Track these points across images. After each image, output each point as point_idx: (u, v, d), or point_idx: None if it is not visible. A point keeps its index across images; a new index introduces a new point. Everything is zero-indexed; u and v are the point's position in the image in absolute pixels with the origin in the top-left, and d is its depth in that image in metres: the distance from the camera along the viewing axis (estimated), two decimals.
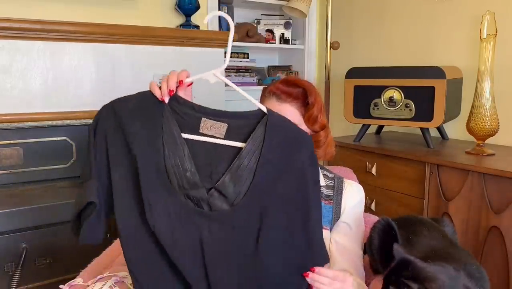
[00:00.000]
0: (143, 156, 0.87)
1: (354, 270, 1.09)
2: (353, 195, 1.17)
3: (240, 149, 0.89)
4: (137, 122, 0.89)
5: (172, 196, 0.87)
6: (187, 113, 0.91)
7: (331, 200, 1.15)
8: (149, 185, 0.87)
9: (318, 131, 1.13)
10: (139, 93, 0.93)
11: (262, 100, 1.15)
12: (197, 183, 0.88)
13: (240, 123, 0.90)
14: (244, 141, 0.89)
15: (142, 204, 0.86)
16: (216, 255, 0.87)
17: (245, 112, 0.92)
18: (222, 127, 0.90)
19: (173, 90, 0.90)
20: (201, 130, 0.90)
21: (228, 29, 2.93)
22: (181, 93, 0.93)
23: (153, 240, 0.87)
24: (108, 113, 0.91)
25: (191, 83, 0.94)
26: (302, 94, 1.11)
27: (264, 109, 0.91)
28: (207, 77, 0.95)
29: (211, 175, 0.89)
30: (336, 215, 1.14)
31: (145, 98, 0.92)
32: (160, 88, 0.92)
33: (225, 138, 0.89)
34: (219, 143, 0.89)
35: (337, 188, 1.17)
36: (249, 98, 0.94)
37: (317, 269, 0.89)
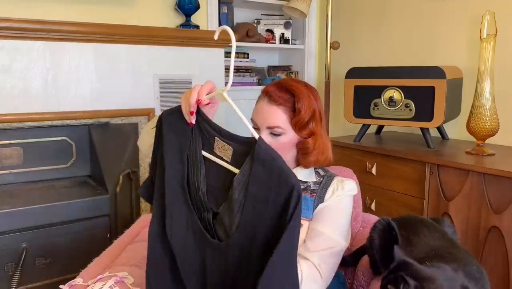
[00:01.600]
0: (171, 168, 0.92)
1: (316, 253, 1.04)
2: (339, 190, 1.15)
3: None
4: (173, 136, 0.93)
5: (191, 212, 0.91)
6: (207, 130, 0.93)
7: (314, 193, 1.15)
8: (173, 197, 0.90)
9: (306, 138, 1.12)
10: (178, 106, 0.96)
11: (257, 100, 1.17)
12: (206, 205, 0.90)
13: (241, 149, 0.88)
14: (239, 166, 0.89)
15: (164, 212, 0.91)
16: (215, 281, 0.90)
17: (245, 139, 0.90)
18: (229, 150, 0.90)
19: (193, 112, 0.91)
20: (214, 150, 0.92)
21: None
22: (206, 108, 0.96)
23: (167, 249, 0.91)
24: (159, 123, 0.97)
25: (209, 103, 0.95)
26: (291, 101, 1.11)
27: (256, 136, 0.87)
28: (216, 95, 0.96)
29: (217, 199, 0.90)
30: (317, 204, 1.13)
31: (180, 112, 0.95)
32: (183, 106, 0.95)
33: (231, 162, 0.90)
34: (225, 167, 0.91)
35: (324, 184, 1.16)
36: (246, 124, 0.92)
37: None
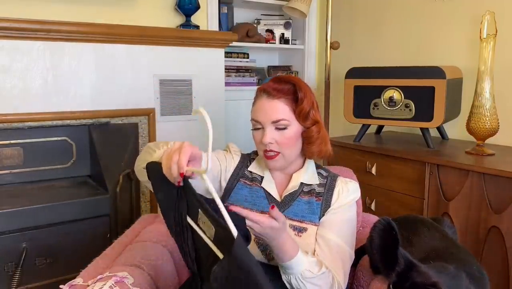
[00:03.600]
0: (166, 216, 0.93)
1: (333, 264, 1.07)
2: (345, 191, 1.16)
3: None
4: (160, 195, 0.94)
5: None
6: (191, 200, 0.84)
7: (321, 196, 1.15)
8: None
9: (310, 126, 1.14)
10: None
11: (253, 104, 1.16)
12: (194, 272, 0.90)
13: (223, 235, 0.73)
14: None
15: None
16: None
17: (226, 227, 0.71)
18: (212, 229, 0.77)
19: (180, 182, 0.84)
20: (198, 222, 0.83)
21: (228, 29, 2.93)
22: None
23: None
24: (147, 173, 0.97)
25: (192, 174, 0.86)
26: (292, 90, 1.12)
27: (235, 235, 0.69)
28: (197, 174, 0.85)
29: (207, 270, 0.78)
30: (325, 210, 1.14)
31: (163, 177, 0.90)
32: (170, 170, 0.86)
33: (214, 242, 0.77)
34: (208, 244, 0.79)
35: (329, 186, 1.17)
36: (227, 219, 0.71)
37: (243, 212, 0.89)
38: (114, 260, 1.24)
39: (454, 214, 1.76)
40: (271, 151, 1.11)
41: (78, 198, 1.90)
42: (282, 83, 1.13)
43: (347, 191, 1.16)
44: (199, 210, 0.80)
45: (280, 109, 1.10)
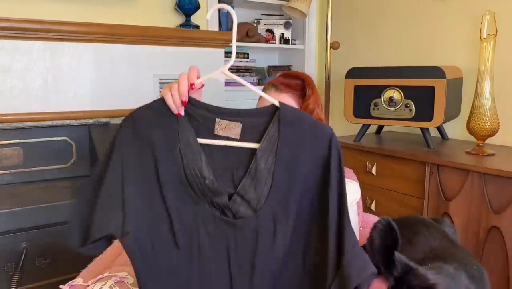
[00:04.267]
0: (164, 166, 0.85)
1: None
2: (347, 192, 1.16)
3: (256, 150, 0.84)
4: (156, 132, 0.87)
5: (198, 205, 0.85)
6: (202, 115, 0.87)
7: None
8: (174, 195, 0.85)
9: None
10: (156, 101, 0.90)
11: (259, 99, 1.15)
12: (217, 190, 0.85)
13: (254, 121, 0.85)
14: (259, 141, 0.84)
15: (165, 215, 0.85)
16: (242, 263, 0.85)
17: (258, 109, 0.87)
18: (237, 127, 0.85)
19: (186, 102, 0.86)
20: (216, 132, 0.86)
21: (228, 29, 2.93)
22: (194, 94, 0.90)
23: (177, 251, 0.85)
24: (128, 124, 0.89)
25: (202, 86, 0.91)
26: (300, 86, 1.13)
27: (277, 103, 0.85)
28: (216, 76, 0.91)
29: (232, 179, 0.85)
30: None
31: (161, 106, 0.88)
32: (173, 98, 0.87)
33: (241, 139, 0.85)
34: (235, 146, 0.85)
35: None
36: (259, 93, 0.91)
37: None
38: (114, 260, 1.24)
39: (454, 214, 1.76)
40: None
41: None
42: (291, 78, 1.14)
43: (348, 192, 1.16)
44: (216, 118, 0.84)
45: (288, 102, 1.11)
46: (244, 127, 0.84)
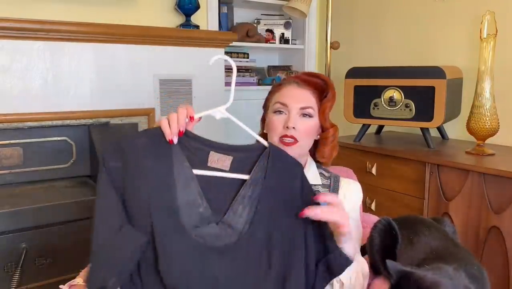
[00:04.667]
0: (156, 196, 0.85)
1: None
2: (350, 193, 1.17)
3: (244, 180, 0.91)
4: (148, 161, 0.86)
5: (185, 237, 0.85)
6: (197, 148, 0.90)
7: None
8: (162, 227, 0.84)
9: (328, 128, 1.16)
10: (146, 130, 0.92)
11: (277, 89, 1.16)
12: (209, 218, 0.87)
13: (243, 156, 0.92)
14: (248, 173, 0.91)
15: (151, 248, 0.83)
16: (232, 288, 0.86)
17: (247, 146, 0.95)
18: (228, 160, 0.91)
19: (183, 132, 0.88)
20: (209, 164, 0.91)
21: (228, 29, 2.93)
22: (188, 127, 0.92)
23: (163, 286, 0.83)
24: (115, 152, 0.87)
25: (199, 119, 0.93)
26: (321, 87, 1.14)
27: (265, 143, 0.95)
28: (213, 114, 0.96)
29: (219, 208, 0.89)
30: None
31: (155, 135, 0.89)
32: (170, 126, 0.89)
33: (230, 171, 0.91)
34: (225, 177, 0.91)
35: (333, 187, 1.17)
36: (251, 133, 0.99)
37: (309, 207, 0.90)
38: None
39: (454, 214, 1.76)
40: (291, 137, 1.08)
41: (78, 198, 1.90)
42: (313, 76, 1.16)
43: (351, 193, 1.17)
44: (211, 151, 0.90)
45: (309, 98, 1.12)
46: (233, 160, 0.91)
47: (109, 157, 0.87)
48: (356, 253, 1.09)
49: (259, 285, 0.87)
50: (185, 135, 0.90)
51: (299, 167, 0.96)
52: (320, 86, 1.14)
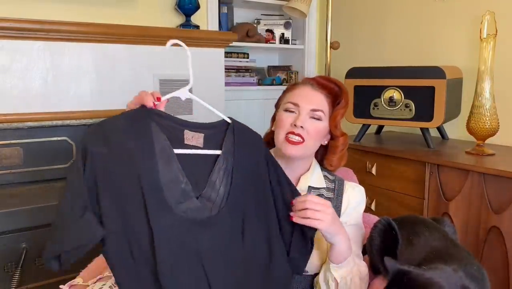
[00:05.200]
0: (143, 175, 0.86)
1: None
2: (354, 197, 1.17)
3: (217, 155, 0.96)
4: (131, 142, 0.88)
5: (170, 213, 0.87)
6: (173, 126, 0.94)
7: (331, 202, 1.14)
8: (151, 205, 0.85)
9: (338, 136, 1.15)
10: (123, 113, 0.93)
11: (291, 89, 1.17)
12: (190, 193, 0.90)
13: (212, 132, 0.98)
14: (220, 148, 0.96)
15: (145, 227, 0.85)
16: (215, 260, 0.88)
17: (213, 123, 1.00)
18: (200, 137, 0.96)
19: (159, 98, 0.94)
20: (185, 142, 0.94)
21: (228, 29, 2.93)
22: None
23: (151, 264, 0.84)
24: (96, 134, 0.90)
25: (167, 101, 0.98)
26: (336, 93, 1.15)
27: (228, 119, 1.00)
28: (179, 95, 1.02)
29: (197, 183, 0.92)
30: None
31: (132, 116, 0.91)
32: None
33: (204, 147, 0.96)
34: (200, 153, 0.95)
35: (338, 191, 1.16)
36: (214, 111, 1.02)
37: (294, 201, 0.98)
38: None
39: (454, 214, 1.76)
40: (298, 135, 1.09)
41: None
42: (329, 81, 1.16)
43: (356, 197, 1.17)
44: (185, 130, 0.95)
45: (322, 101, 1.13)
46: (205, 137, 0.96)
47: (93, 142, 0.89)
48: (357, 256, 1.10)
49: (240, 255, 0.91)
50: (160, 116, 0.93)
51: (261, 139, 1.04)
52: (334, 92, 1.15)
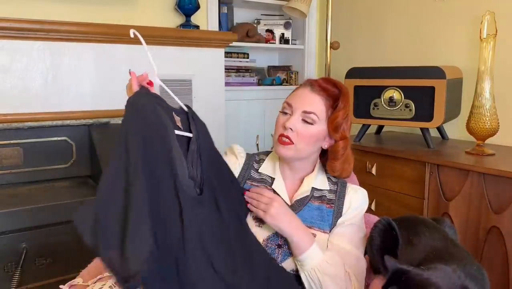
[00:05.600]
0: (168, 150, 0.91)
1: (349, 271, 1.08)
2: (356, 199, 1.16)
3: (189, 138, 1.03)
4: (155, 118, 0.91)
5: (184, 192, 0.91)
6: (167, 108, 0.99)
7: (332, 204, 1.14)
8: (178, 184, 0.90)
9: (338, 140, 1.13)
10: (136, 93, 0.93)
11: (299, 87, 1.16)
12: (187, 172, 0.95)
13: (183, 118, 1.05)
14: (189, 131, 1.04)
15: (177, 209, 0.88)
16: (211, 238, 0.94)
17: (180, 109, 1.07)
18: (179, 121, 1.03)
19: (151, 82, 0.98)
20: (177, 124, 1.00)
21: (228, 29, 2.93)
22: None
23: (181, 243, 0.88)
24: (133, 113, 0.88)
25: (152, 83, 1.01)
26: (335, 96, 1.11)
27: (184, 107, 1.08)
28: (153, 79, 1.04)
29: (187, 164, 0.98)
30: (336, 219, 1.13)
31: (145, 96, 0.94)
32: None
33: (183, 130, 1.03)
34: (182, 135, 1.01)
35: (340, 193, 1.16)
36: (174, 98, 1.08)
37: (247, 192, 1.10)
38: None
39: (454, 214, 1.76)
40: (286, 137, 1.09)
41: (78, 198, 1.90)
42: (329, 84, 1.13)
43: (358, 200, 1.16)
44: (173, 112, 1.01)
45: (316, 103, 1.10)
46: (181, 120, 1.03)
47: (133, 121, 0.87)
48: (355, 257, 1.10)
49: (222, 230, 0.99)
50: (157, 98, 0.98)
51: (205, 126, 1.11)
52: (334, 95, 1.11)
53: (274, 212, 1.04)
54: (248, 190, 1.12)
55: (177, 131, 0.97)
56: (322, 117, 1.10)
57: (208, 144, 1.08)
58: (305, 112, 1.09)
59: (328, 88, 1.12)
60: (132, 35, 1.00)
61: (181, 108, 1.07)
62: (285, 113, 1.12)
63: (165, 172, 0.88)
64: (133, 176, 0.80)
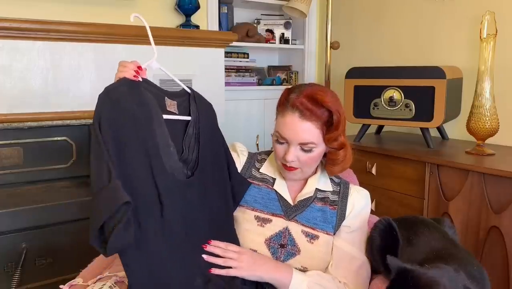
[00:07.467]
0: (148, 140, 0.92)
1: (352, 276, 1.08)
2: (358, 201, 1.16)
3: (188, 121, 1.05)
4: (135, 107, 0.92)
5: (168, 175, 0.94)
6: (157, 94, 1.01)
7: (336, 205, 1.14)
8: (155, 168, 0.92)
9: (337, 150, 1.12)
10: (119, 80, 0.98)
11: (282, 110, 1.09)
12: (175, 156, 0.97)
13: (181, 100, 1.07)
14: (188, 114, 1.06)
15: (146, 188, 0.90)
16: (195, 220, 0.98)
17: (178, 92, 1.10)
18: (175, 104, 1.04)
19: (141, 67, 1.00)
20: (168, 108, 1.02)
21: (228, 29, 2.93)
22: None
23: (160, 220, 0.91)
24: (106, 102, 0.92)
25: (145, 69, 1.03)
26: (327, 116, 1.06)
27: (188, 90, 1.11)
28: (151, 65, 1.07)
29: (176, 146, 1.00)
30: (340, 221, 1.13)
31: (129, 83, 0.97)
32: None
33: (179, 113, 1.04)
34: (176, 119, 1.03)
35: (343, 194, 1.16)
36: (176, 81, 1.11)
37: (212, 241, 1.04)
38: (114, 260, 1.24)
39: (454, 214, 1.76)
40: (291, 168, 1.10)
41: (78, 198, 1.90)
42: (318, 106, 1.05)
43: (360, 201, 1.17)
44: (165, 97, 1.03)
45: (311, 132, 1.05)
46: (177, 104, 1.05)
47: (104, 110, 0.90)
48: (363, 262, 1.11)
49: (206, 214, 1.02)
50: (147, 83, 1.00)
51: (212, 106, 1.15)
52: (325, 117, 1.06)
53: (246, 265, 1.01)
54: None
55: (167, 116, 0.98)
56: (319, 140, 1.07)
57: (210, 125, 1.10)
58: (302, 143, 1.06)
59: (316, 111, 1.05)
60: (132, 19, 1.04)
61: (182, 90, 1.10)
62: (281, 143, 1.09)
63: (139, 158, 0.90)
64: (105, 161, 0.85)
